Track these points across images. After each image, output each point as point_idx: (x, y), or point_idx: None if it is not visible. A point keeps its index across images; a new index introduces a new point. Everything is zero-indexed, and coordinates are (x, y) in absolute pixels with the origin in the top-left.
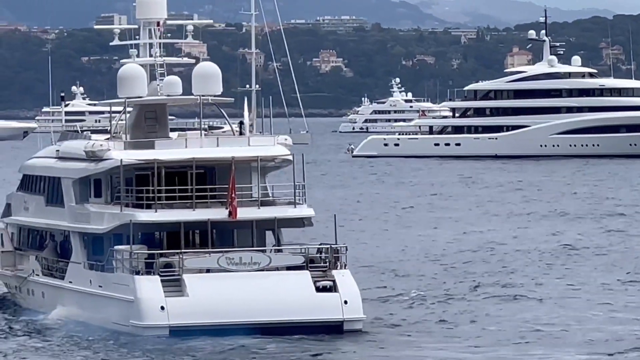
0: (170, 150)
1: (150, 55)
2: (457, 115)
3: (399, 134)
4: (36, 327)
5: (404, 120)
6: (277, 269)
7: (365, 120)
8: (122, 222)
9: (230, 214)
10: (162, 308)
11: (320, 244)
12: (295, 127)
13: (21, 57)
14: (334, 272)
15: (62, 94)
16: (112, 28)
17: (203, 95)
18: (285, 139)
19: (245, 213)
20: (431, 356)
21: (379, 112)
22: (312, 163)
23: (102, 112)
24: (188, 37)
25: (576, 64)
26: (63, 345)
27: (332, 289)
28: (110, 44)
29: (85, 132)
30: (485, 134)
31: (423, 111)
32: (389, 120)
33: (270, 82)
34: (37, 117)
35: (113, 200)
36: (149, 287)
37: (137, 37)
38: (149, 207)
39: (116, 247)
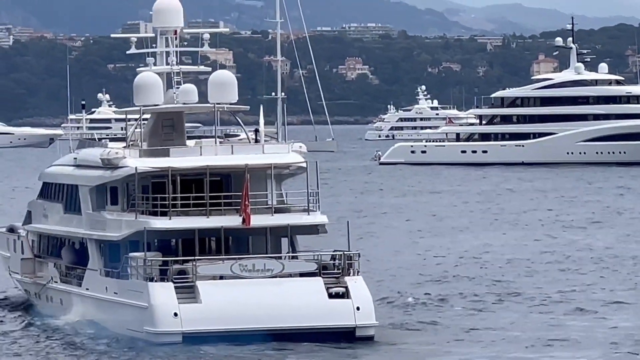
0: (185, 158)
1: (167, 64)
2: (484, 122)
3: (426, 141)
4: (53, 333)
5: (429, 127)
6: (290, 275)
7: (391, 128)
8: (137, 229)
9: (243, 221)
10: (176, 314)
11: (334, 251)
12: (321, 134)
13: (47, 64)
14: (346, 278)
15: (83, 102)
16: (128, 37)
17: (218, 103)
18: (300, 147)
19: (258, 220)
20: None
21: (405, 119)
22: (338, 170)
23: (130, 120)
24: (205, 46)
25: (603, 71)
26: (78, 351)
27: (345, 295)
28: (127, 52)
29: (102, 140)
30: (512, 141)
31: (450, 118)
32: (414, 128)
33: (296, 90)
34: (62, 125)
35: (129, 208)
36: (163, 293)
37: (154, 45)
38: (163, 214)
39: (131, 254)
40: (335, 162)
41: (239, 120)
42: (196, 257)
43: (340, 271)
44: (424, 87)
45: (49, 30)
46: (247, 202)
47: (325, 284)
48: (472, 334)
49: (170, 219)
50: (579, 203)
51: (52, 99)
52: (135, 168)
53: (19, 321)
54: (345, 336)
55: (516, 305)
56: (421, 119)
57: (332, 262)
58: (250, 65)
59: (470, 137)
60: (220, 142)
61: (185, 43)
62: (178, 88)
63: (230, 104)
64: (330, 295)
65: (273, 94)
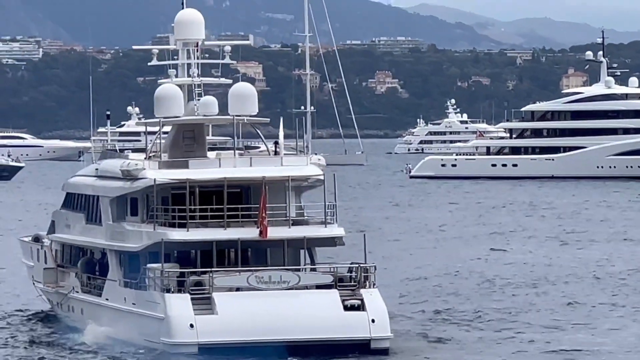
0: (203, 170)
1: (189, 76)
2: (514, 136)
3: (457, 155)
4: (72, 343)
5: (459, 141)
6: (306, 287)
7: (421, 142)
8: (155, 240)
9: (260, 233)
10: (192, 326)
11: (351, 263)
12: (350, 148)
13: (77, 77)
14: (362, 291)
15: (108, 112)
16: (151, 48)
17: (238, 116)
18: (319, 159)
19: (275, 232)
20: None
21: (434, 133)
22: (366, 184)
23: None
24: (226, 58)
25: (633, 85)
26: None
27: (360, 307)
28: (149, 64)
29: (125, 151)
30: (543, 154)
31: (481, 132)
32: (444, 142)
33: (326, 103)
34: (92, 137)
35: (148, 219)
36: (179, 305)
37: (176, 57)
38: (181, 226)
39: (149, 265)
40: (366, 176)
41: (259, 132)
42: (213, 269)
43: (356, 284)
44: (453, 101)
45: (79, 43)
46: (264, 215)
47: (340, 296)
48: (489, 347)
49: (188, 230)
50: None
51: (81, 111)
52: (154, 180)
53: (40, 331)
54: (360, 348)
55: (537, 320)
56: (450, 133)
57: (348, 274)
58: (280, 79)
59: (500, 151)
60: (241, 155)
61: (207, 55)
62: (199, 100)
63: (251, 116)
64: (346, 308)
65: (302, 107)
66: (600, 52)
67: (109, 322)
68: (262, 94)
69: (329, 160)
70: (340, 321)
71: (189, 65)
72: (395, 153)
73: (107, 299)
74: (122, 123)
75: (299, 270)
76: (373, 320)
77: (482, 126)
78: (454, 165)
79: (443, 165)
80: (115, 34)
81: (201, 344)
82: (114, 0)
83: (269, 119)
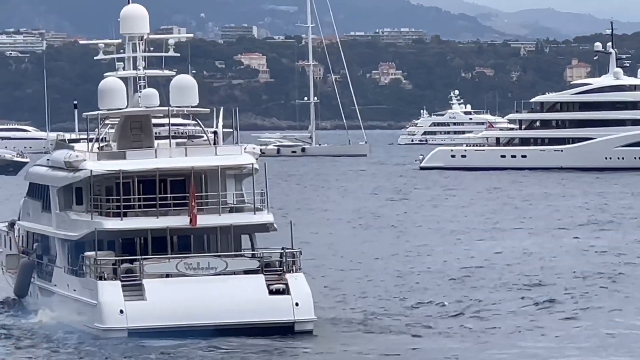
0: (138, 160)
1: (135, 68)
2: (523, 127)
3: (466, 146)
4: (24, 328)
5: (462, 132)
6: (234, 273)
7: (424, 133)
8: (91, 229)
9: (190, 221)
10: (121, 312)
11: (283, 249)
12: (354, 139)
13: (80, 70)
14: (287, 275)
15: (75, 102)
16: (96, 43)
17: (178, 107)
18: (253, 148)
19: (204, 220)
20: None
21: (438, 124)
22: (373, 175)
23: (162, 125)
24: (170, 51)
25: None
26: (37, 346)
27: (285, 291)
28: (95, 58)
29: (80, 141)
30: (551, 146)
31: (491, 123)
32: (447, 133)
33: (329, 95)
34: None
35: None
36: (110, 291)
37: (122, 51)
38: (116, 215)
39: (86, 253)
40: (378, 166)
41: (200, 122)
42: (142, 257)
43: (282, 268)
44: (457, 92)
45: (83, 35)
46: (193, 204)
47: (266, 280)
48: (413, 329)
49: (122, 219)
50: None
51: (85, 105)
52: (91, 171)
53: (6, 318)
54: (284, 331)
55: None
56: (454, 124)
57: (275, 260)
58: (284, 70)
59: (509, 142)
60: (178, 145)
61: (152, 48)
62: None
63: (192, 107)
64: (271, 292)
65: (306, 98)
66: (609, 44)
67: (57, 308)
68: (265, 85)
69: (333, 151)
70: (265, 305)
71: (134, 58)
72: (399, 144)
73: (55, 285)
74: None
75: (227, 257)
76: (297, 304)
77: (486, 117)
78: (463, 156)
79: (453, 156)
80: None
81: (130, 329)
82: None
83: (208, 110)
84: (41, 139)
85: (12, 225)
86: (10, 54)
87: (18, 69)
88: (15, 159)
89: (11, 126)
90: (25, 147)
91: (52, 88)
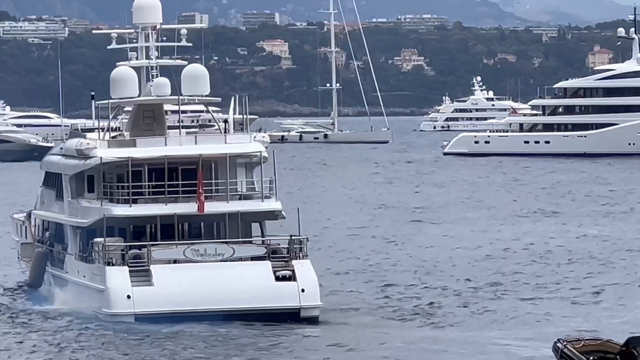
0: (148, 148)
1: (147, 58)
2: (547, 112)
3: (490, 132)
4: (36, 314)
5: (485, 118)
6: (241, 259)
7: (447, 119)
8: (101, 216)
9: (198, 208)
10: (129, 297)
11: (291, 236)
12: (376, 126)
13: (103, 57)
14: (294, 262)
15: (92, 93)
16: (109, 32)
17: (190, 96)
18: (263, 136)
19: (212, 207)
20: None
21: (460, 110)
22: (396, 162)
23: (185, 112)
24: (182, 41)
25: None
26: (46, 332)
27: (291, 278)
28: (108, 47)
29: (95, 130)
30: (575, 131)
31: (514, 109)
32: (470, 119)
33: (351, 81)
34: (119, 117)
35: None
36: (117, 277)
37: (135, 40)
38: (125, 202)
39: (95, 240)
40: (400, 153)
41: (210, 111)
42: (150, 242)
43: (289, 255)
44: (479, 78)
45: (105, 22)
46: (200, 190)
47: (273, 267)
48: (418, 316)
49: (130, 206)
50: None
51: (106, 91)
52: (100, 158)
53: (19, 305)
54: (290, 317)
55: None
56: (477, 110)
57: (282, 246)
58: (306, 57)
59: (532, 128)
60: (188, 133)
61: (164, 38)
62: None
63: (203, 96)
64: (277, 278)
65: (328, 85)
66: (632, 29)
67: (68, 294)
68: (288, 72)
69: (355, 138)
70: (271, 291)
71: (147, 47)
72: (421, 130)
73: (67, 272)
74: None
75: (234, 243)
76: (303, 290)
77: (508, 103)
78: (487, 142)
79: (476, 142)
80: None
81: (137, 314)
82: None
83: (220, 99)
84: (65, 125)
85: (29, 215)
86: (33, 40)
87: (40, 55)
88: (41, 143)
89: (33, 113)
90: (47, 134)
91: (74, 75)
